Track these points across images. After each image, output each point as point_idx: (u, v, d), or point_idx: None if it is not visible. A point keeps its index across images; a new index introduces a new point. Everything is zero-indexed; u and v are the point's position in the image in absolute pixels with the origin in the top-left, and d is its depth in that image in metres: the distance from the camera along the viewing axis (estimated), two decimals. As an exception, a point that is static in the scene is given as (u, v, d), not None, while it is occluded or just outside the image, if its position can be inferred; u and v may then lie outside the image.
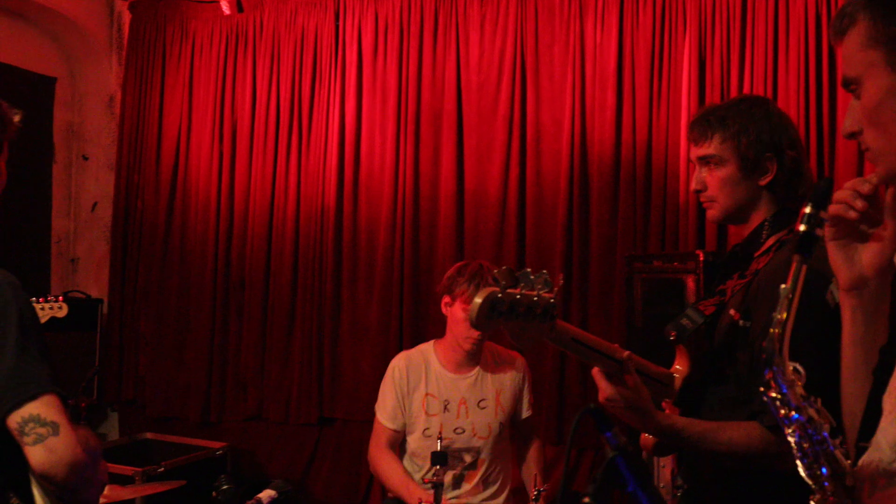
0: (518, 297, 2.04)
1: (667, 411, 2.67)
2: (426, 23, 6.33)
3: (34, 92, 7.00)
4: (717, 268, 2.96)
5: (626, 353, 2.40)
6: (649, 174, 5.77)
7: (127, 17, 7.35)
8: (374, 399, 4.66)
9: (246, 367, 6.74)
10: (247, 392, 6.74)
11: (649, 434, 2.48)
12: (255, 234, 6.72)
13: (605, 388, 2.38)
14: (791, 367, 1.65)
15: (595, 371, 2.39)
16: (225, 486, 3.66)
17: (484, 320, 2.01)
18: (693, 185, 2.78)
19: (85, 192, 7.60)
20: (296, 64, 6.67)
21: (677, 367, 2.70)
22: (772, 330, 1.61)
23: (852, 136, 1.82)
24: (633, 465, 1.63)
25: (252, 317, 6.72)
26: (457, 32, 6.26)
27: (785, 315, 1.60)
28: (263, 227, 6.70)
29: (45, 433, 2.10)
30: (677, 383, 2.67)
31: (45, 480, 2.16)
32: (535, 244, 5.99)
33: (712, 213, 2.76)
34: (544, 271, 2.10)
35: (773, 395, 1.65)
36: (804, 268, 1.62)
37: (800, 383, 1.65)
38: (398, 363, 4.56)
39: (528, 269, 2.12)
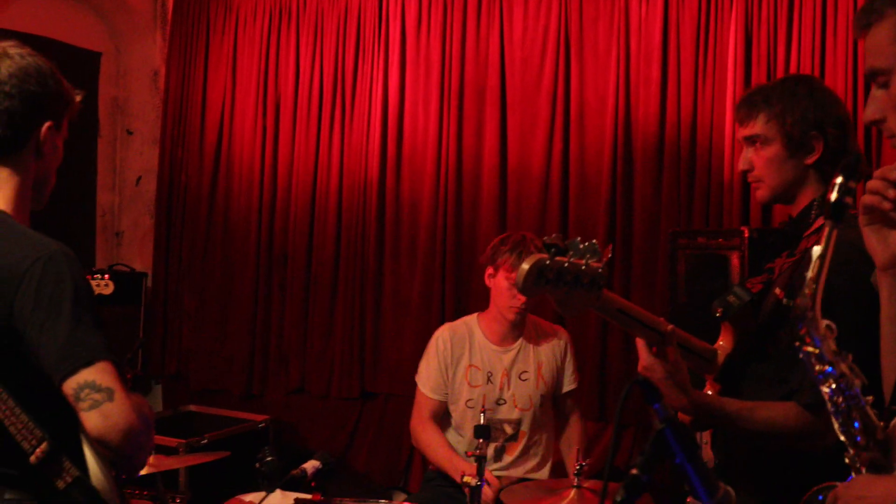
0: (566, 265, 2.04)
1: (707, 387, 2.68)
2: (470, -3, 6.31)
3: (80, 67, 7.04)
4: (766, 246, 2.95)
5: (671, 326, 2.40)
6: (694, 150, 5.73)
7: (172, -8, 7.38)
8: (416, 374, 4.68)
9: (288, 341, 6.77)
10: (289, 366, 6.78)
11: (683, 411, 2.48)
12: (297, 208, 6.74)
13: (644, 358, 2.42)
14: (824, 324, 1.75)
15: (639, 340, 2.40)
16: (269, 458, 3.68)
17: (530, 286, 2.01)
18: (740, 166, 2.79)
19: (129, 166, 7.65)
20: (339, 38, 6.67)
21: (721, 343, 2.69)
22: (805, 290, 1.71)
23: (874, 123, 1.91)
24: (681, 437, 1.63)
25: (294, 291, 6.75)
26: (500, 7, 6.22)
27: (817, 277, 1.72)
28: (306, 201, 6.72)
29: (101, 399, 2.12)
30: (720, 359, 2.66)
31: (100, 445, 2.19)
32: (578, 220, 5.97)
33: (761, 194, 2.75)
34: (593, 241, 2.10)
35: (809, 349, 1.76)
36: (835, 232, 1.72)
37: (831, 338, 1.75)
38: (442, 334, 4.58)
39: (578, 239, 2.11)
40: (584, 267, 2.07)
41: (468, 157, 6.28)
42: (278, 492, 3.66)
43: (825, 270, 1.72)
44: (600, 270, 2.09)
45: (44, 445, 2.20)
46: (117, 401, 2.13)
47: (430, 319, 6.17)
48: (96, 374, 2.13)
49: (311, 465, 3.66)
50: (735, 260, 4.74)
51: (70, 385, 2.13)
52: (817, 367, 1.77)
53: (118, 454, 2.19)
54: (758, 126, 2.69)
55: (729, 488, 1.71)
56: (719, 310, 2.65)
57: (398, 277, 6.46)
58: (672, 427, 1.62)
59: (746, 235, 4.69)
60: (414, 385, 4.71)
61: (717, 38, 5.68)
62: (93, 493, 2.25)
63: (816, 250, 1.72)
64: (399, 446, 6.39)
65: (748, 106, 2.73)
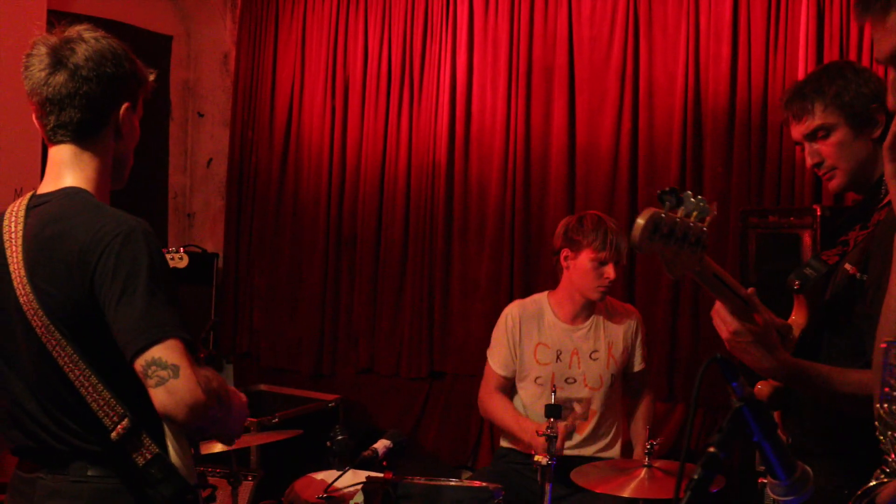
0: (678, 220, 2.01)
1: None
2: (537, -24, 6.28)
3: (151, 50, 7.13)
4: (838, 224, 2.91)
5: (751, 289, 2.36)
6: (765, 128, 5.66)
7: (241, -25, 7.44)
8: (485, 353, 4.70)
9: (357, 321, 6.82)
10: (358, 346, 6.83)
11: (771, 374, 2.42)
12: (366, 189, 6.77)
13: (731, 322, 2.32)
14: None
15: (720, 307, 2.34)
16: (339, 437, 3.72)
17: (646, 241, 1.96)
18: (809, 162, 2.75)
19: (200, 148, 7.74)
20: (407, 19, 6.67)
21: (794, 318, 2.66)
22: None
23: None
24: (759, 415, 1.62)
25: (363, 271, 6.78)
26: (569, -15, 6.19)
27: None
28: (375, 182, 6.75)
29: (166, 376, 2.15)
30: (795, 334, 2.64)
31: (167, 421, 2.23)
32: (646, 199, 5.92)
33: (836, 182, 2.71)
34: (701, 197, 2.05)
35: None
36: None
37: None
38: (512, 311, 4.59)
39: (690, 192, 2.07)
40: (692, 224, 2.04)
41: (536, 137, 6.26)
42: (349, 470, 3.69)
43: None
44: (705, 230, 2.06)
45: (125, 422, 2.25)
46: (182, 377, 2.16)
47: (498, 300, 6.17)
48: (164, 352, 2.16)
49: (381, 445, 3.69)
50: (807, 238, 4.69)
51: (139, 362, 2.17)
52: None
53: (186, 428, 2.25)
54: (817, 117, 2.67)
55: (807, 467, 1.70)
56: (797, 282, 2.62)
57: (466, 258, 6.47)
58: (750, 405, 1.62)
59: (819, 214, 4.63)
60: (482, 365, 4.73)
61: (789, 15, 5.60)
62: (171, 469, 2.30)
63: None
64: (467, 425, 6.41)
65: (799, 100, 2.70)
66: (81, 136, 2.40)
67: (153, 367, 2.15)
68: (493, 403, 4.57)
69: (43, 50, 2.36)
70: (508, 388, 4.58)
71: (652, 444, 3.81)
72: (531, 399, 4.50)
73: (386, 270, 6.70)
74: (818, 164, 2.72)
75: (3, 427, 2.40)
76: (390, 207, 6.70)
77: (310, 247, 6.96)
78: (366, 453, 3.64)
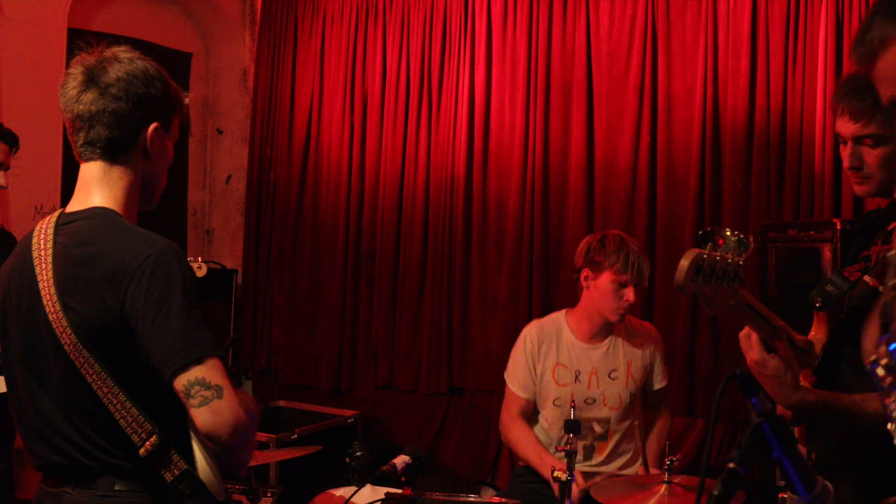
0: (718, 258, 2.02)
1: (802, 380, 2.64)
2: (556, -9, 6.29)
3: (171, 67, 7.09)
4: (855, 236, 2.89)
5: (781, 322, 2.38)
6: (784, 142, 5.65)
7: (259, -7, 7.48)
8: (503, 369, 4.68)
9: (377, 337, 6.82)
10: (377, 361, 6.83)
11: (790, 408, 2.45)
12: (385, 205, 6.78)
13: (757, 352, 2.38)
14: None
15: (752, 335, 2.37)
16: (359, 453, 3.71)
17: (689, 283, 1.99)
18: (849, 163, 2.69)
19: (219, 164, 7.77)
20: (425, 35, 6.69)
21: (815, 334, 2.66)
22: (885, 298, 1.59)
23: None
24: (779, 431, 1.61)
25: (382, 287, 6.79)
26: (587, 0, 6.19)
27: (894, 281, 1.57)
28: (394, 198, 6.76)
29: (210, 396, 2.17)
30: (816, 350, 2.63)
31: (210, 441, 2.23)
32: (666, 214, 5.92)
33: (866, 189, 2.68)
34: (738, 233, 2.07)
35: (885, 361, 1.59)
36: None
37: None
38: (530, 332, 4.56)
39: (728, 230, 2.09)
40: (730, 260, 2.06)
41: (555, 152, 6.26)
42: (369, 486, 3.68)
43: None
44: (741, 263, 2.08)
45: (153, 439, 2.26)
46: (226, 398, 2.18)
47: (517, 315, 6.18)
48: (206, 372, 2.19)
49: (401, 461, 3.68)
50: (827, 252, 4.67)
51: (181, 381, 2.18)
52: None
53: (226, 449, 2.24)
54: (874, 125, 2.62)
55: (827, 483, 1.69)
56: (819, 300, 2.61)
57: (485, 273, 6.47)
58: (770, 421, 1.61)
59: (839, 228, 4.61)
60: (501, 380, 4.70)
61: (808, 28, 5.59)
62: (199, 485, 2.31)
63: (891, 255, 1.61)
64: (486, 441, 6.40)
65: (859, 102, 2.63)
66: (110, 154, 2.41)
67: (196, 388, 2.17)
68: (515, 433, 4.52)
69: (79, 69, 2.39)
70: (530, 410, 4.55)
71: (671, 460, 3.79)
72: (551, 422, 4.47)
73: (405, 286, 6.71)
74: (857, 168, 2.68)
75: (29, 443, 2.41)
76: (409, 223, 6.71)
77: (329, 262, 6.97)
78: (385, 469, 3.63)
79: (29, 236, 2.44)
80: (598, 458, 4.46)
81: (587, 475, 4.22)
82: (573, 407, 3.96)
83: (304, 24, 7.19)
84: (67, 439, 2.32)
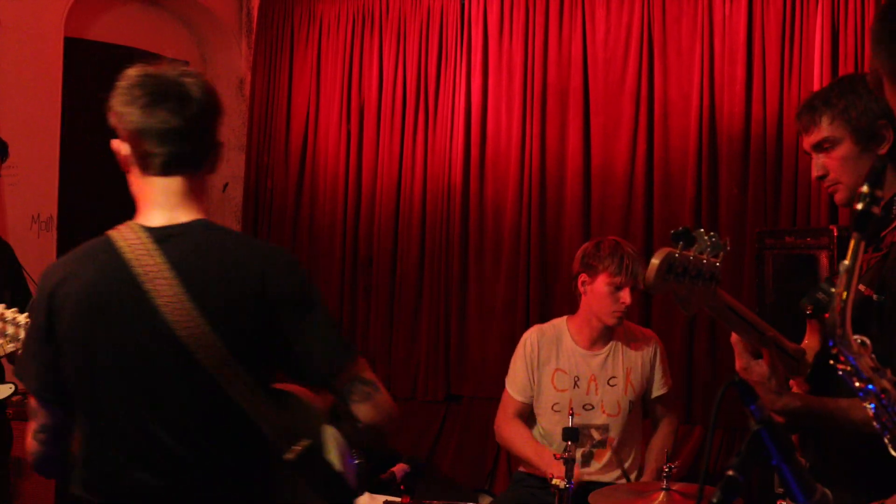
0: (691, 258, 2.04)
1: (794, 387, 2.65)
2: (552, -1, 6.31)
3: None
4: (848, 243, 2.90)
5: (772, 332, 2.39)
6: (780, 149, 5.67)
7: (256, 1, 7.46)
8: (502, 377, 4.69)
9: (374, 345, 6.81)
10: (374, 369, 6.79)
11: (776, 413, 2.46)
12: (382, 213, 6.78)
13: (742, 358, 2.41)
14: (857, 341, 1.70)
15: (737, 340, 2.40)
16: (356, 461, 3.71)
17: (660, 281, 2.01)
18: (815, 173, 2.74)
19: (216, 172, 7.74)
20: (422, 43, 6.70)
21: (807, 342, 2.66)
22: (833, 306, 1.65)
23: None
24: (778, 438, 1.62)
25: (379, 295, 6.79)
26: (583, 8, 6.21)
27: (845, 292, 1.65)
28: (391, 206, 6.76)
29: (371, 391, 2.32)
30: (809, 358, 2.64)
31: (370, 431, 2.35)
32: (662, 221, 5.93)
33: (840, 197, 2.71)
34: (713, 234, 2.09)
35: (843, 367, 1.73)
36: (862, 244, 1.67)
37: (867, 354, 1.72)
38: (530, 336, 4.58)
39: (702, 230, 2.11)
40: (705, 261, 2.07)
41: (551, 159, 6.28)
42: (366, 494, 3.69)
43: (854, 285, 1.67)
44: (717, 264, 2.10)
45: (304, 441, 2.29)
46: (381, 391, 2.35)
47: (515, 322, 6.18)
48: (361, 369, 2.35)
49: (399, 469, 3.69)
50: (824, 259, 4.68)
51: (342, 380, 2.31)
52: (857, 384, 1.75)
53: (382, 436, 2.44)
54: (823, 129, 2.66)
55: (826, 490, 1.69)
56: (809, 307, 2.62)
57: (482, 281, 6.47)
58: (768, 428, 1.61)
59: (836, 234, 4.62)
60: (499, 387, 4.71)
61: (804, 36, 5.61)
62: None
63: (845, 264, 1.66)
64: (484, 449, 6.39)
65: (809, 112, 2.69)
66: (193, 168, 2.40)
67: (357, 384, 2.32)
68: (510, 431, 4.54)
69: (150, 80, 2.35)
70: (527, 413, 4.56)
71: (670, 468, 3.79)
72: (549, 426, 4.47)
73: (402, 293, 6.71)
74: (822, 177, 2.73)
75: (117, 468, 2.31)
76: (406, 230, 6.71)
77: (326, 270, 6.97)
78: (384, 477, 3.64)
79: (102, 251, 2.34)
80: (596, 465, 4.47)
81: (585, 483, 4.22)
82: (571, 415, 3.97)
83: (300, 32, 7.19)
84: (179, 461, 2.28)
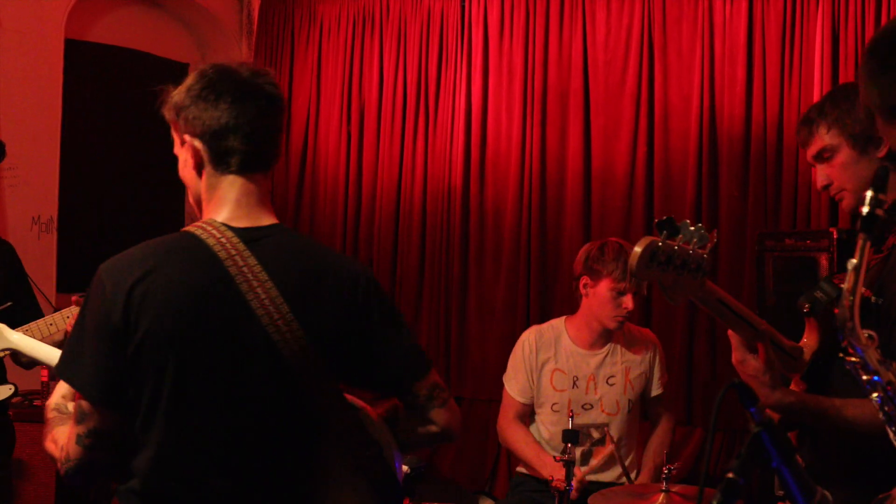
0: (676, 248, 2.05)
1: (792, 386, 2.66)
2: (552, 1, 6.30)
3: (168, 78, 7.14)
4: (850, 245, 2.91)
5: (764, 324, 2.40)
6: (780, 151, 5.68)
7: (256, 3, 7.46)
8: (501, 378, 4.69)
9: (374, 346, 6.80)
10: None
11: (773, 409, 2.48)
12: (382, 215, 6.78)
13: (738, 352, 2.44)
14: (865, 334, 1.78)
15: (733, 334, 2.41)
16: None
17: (644, 269, 2.03)
18: (818, 184, 2.79)
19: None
20: (422, 45, 6.70)
21: (805, 340, 2.67)
22: (843, 301, 1.74)
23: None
24: (778, 440, 1.62)
25: (380, 296, 6.77)
26: (583, 10, 6.21)
27: (852, 285, 1.74)
28: (391, 208, 6.76)
29: (447, 396, 2.40)
30: (806, 357, 2.64)
31: (443, 434, 2.43)
32: (663, 223, 5.91)
33: (847, 203, 2.74)
34: (700, 225, 2.10)
35: (853, 359, 1.80)
36: (868, 244, 1.76)
37: (873, 347, 1.79)
38: (528, 337, 4.58)
39: (688, 221, 2.12)
40: (691, 251, 2.08)
41: (552, 161, 6.28)
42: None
43: (861, 282, 1.74)
44: (705, 256, 2.11)
45: (375, 447, 2.33)
46: (452, 397, 2.43)
47: (515, 324, 6.18)
48: (436, 376, 2.41)
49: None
50: (824, 261, 4.68)
51: (423, 386, 2.37)
52: (864, 377, 1.80)
53: (452, 439, 2.49)
54: (821, 140, 2.71)
55: (826, 492, 1.69)
56: (806, 305, 2.63)
57: (483, 283, 6.47)
58: (769, 430, 1.61)
59: (836, 237, 4.62)
60: (499, 389, 4.71)
61: (804, 38, 5.62)
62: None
63: (853, 262, 1.74)
64: (485, 450, 6.39)
65: (807, 125, 2.75)
66: (266, 168, 2.38)
67: (437, 390, 2.39)
68: (512, 434, 4.55)
69: (231, 78, 2.32)
70: (527, 414, 4.57)
71: (669, 469, 3.79)
72: (548, 426, 4.48)
73: (402, 295, 6.70)
74: (826, 186, 2.76)
75: (196, 475, 2.21)
76: (406, 233, 6.71)
77: (326, 272, 6.95)
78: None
79: (187, 248, 2.27)
80: (595, 464, 4.47)
81: (586, 484, 4.22)
82: (571, 416, 3.97)
83: (300, 34, 7.19)
84: (260, 467, 2.23)
